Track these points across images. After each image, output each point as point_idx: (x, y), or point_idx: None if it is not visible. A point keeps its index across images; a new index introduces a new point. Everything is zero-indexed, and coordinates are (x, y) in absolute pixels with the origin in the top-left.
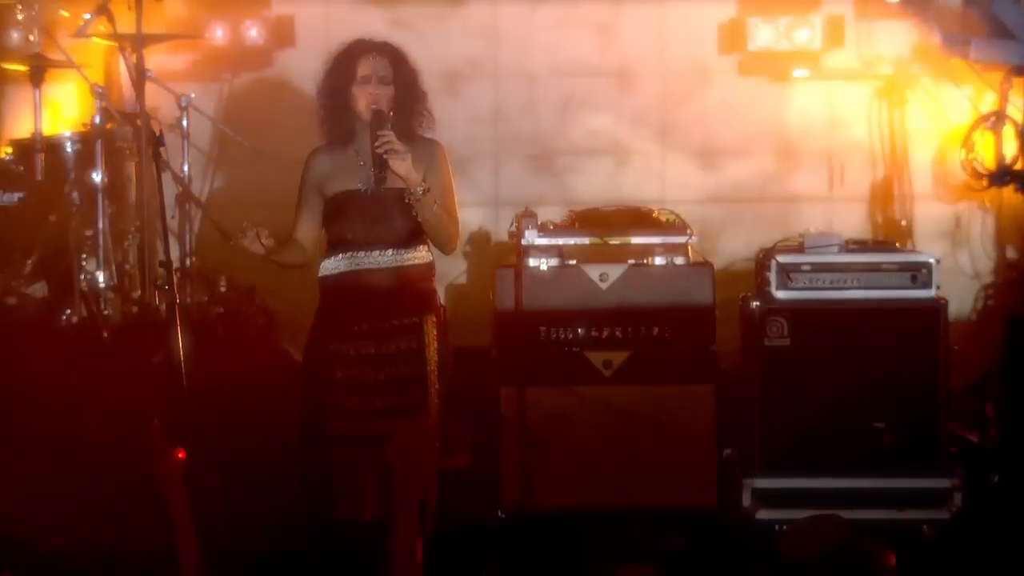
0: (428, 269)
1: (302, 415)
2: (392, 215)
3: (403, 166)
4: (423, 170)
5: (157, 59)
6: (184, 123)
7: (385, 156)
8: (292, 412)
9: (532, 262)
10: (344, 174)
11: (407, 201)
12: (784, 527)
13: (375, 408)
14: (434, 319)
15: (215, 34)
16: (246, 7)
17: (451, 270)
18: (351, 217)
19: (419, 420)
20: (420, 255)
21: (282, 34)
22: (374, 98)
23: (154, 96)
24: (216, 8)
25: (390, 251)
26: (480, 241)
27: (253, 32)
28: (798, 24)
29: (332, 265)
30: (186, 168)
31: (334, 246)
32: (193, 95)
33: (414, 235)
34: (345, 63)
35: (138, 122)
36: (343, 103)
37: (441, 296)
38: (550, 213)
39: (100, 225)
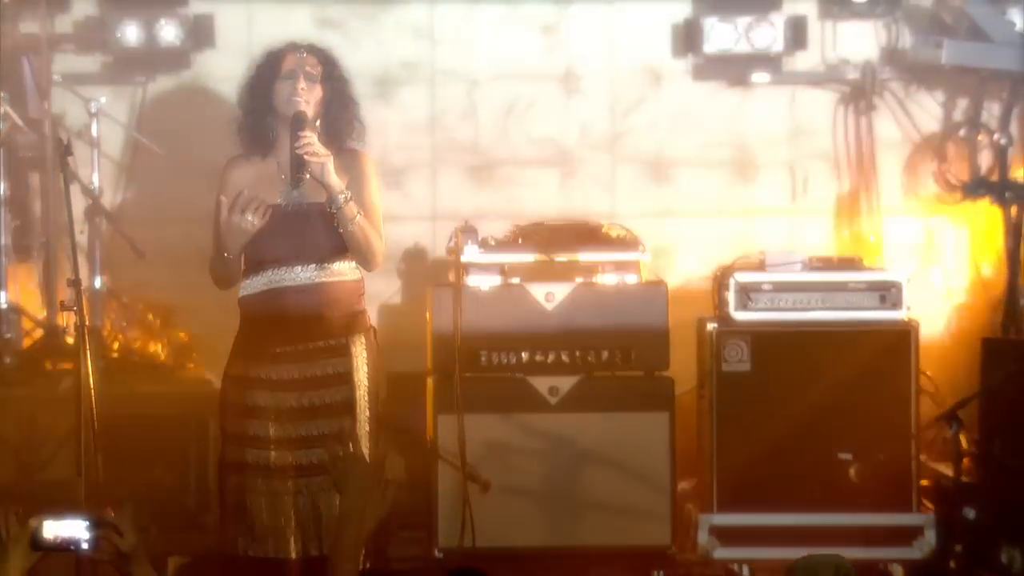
0: (356, 287)
1: (222, 445)
2: (315, 230)
3: (323, 171)
4: (346, 179)
5: (64, 61)
6: (94, 130)
7: (306, 158)
8: (212, 443)
9: (472, 281)
10: (263, 187)
11: (329, 210)
12: (744, 567)
13: (299, 436)
14: (363, 340)
15: (127, 34)
16: (161, 5)
17: (384, 289)
18: (271, 233)
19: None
20: (346, 271)
21: (200, 34)
22: (298, 93)
23: (61, 101)
24: (128, 6)
25: (313, 267)
26: (415, 258)
27: (169, 32)
28: (758, 24)
29: (252, 284)
30: (96, 179)
31: (254, 264)
32: (103, 100)
33: (339, 251)
34: (268, 59)
35: (44, 129)
36: (264, 106)
37: (373, 317)
38: (492, 228)
39: (2, 241)
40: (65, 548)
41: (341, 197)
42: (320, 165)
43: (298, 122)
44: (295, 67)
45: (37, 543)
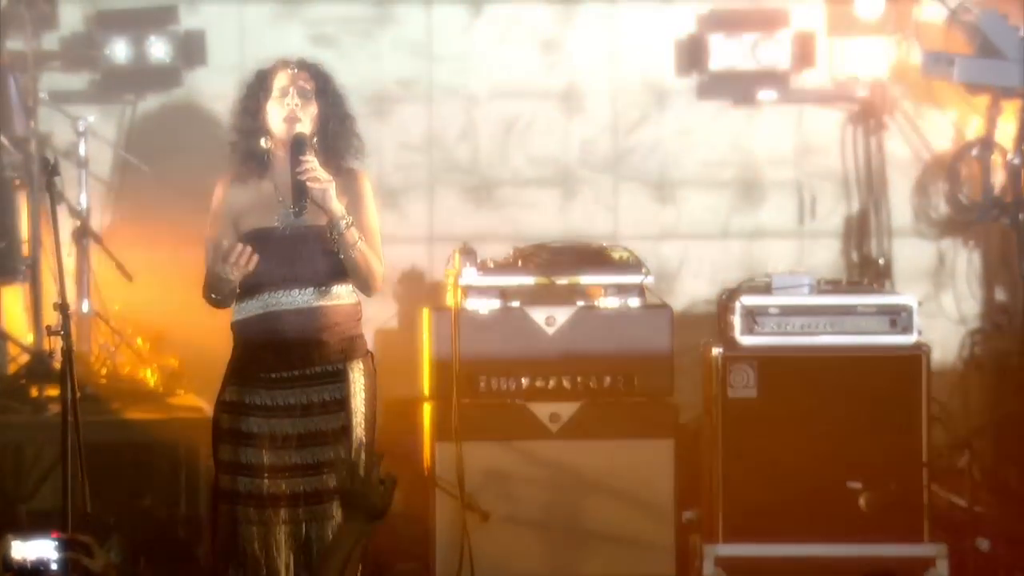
0: (354, 310)
1: (214, 474)
2: (313, 254)
3: (325, 197)
4: (344, 200)
5: (51, 78)
6: (81, 150)
7: (308, 184)
8: (203, 471)
9: (471, 304)
10: (260, 209)
11: (330, 236)
12: None
13: (293, 464)
14: (361, 366)
15: (116, 51)
16: (151, 22)
17: (380, 313)
18: (267, 257)
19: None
20: (344, 295)
21: (192, 51)
22: (293, 113)
23: (48, 120)
24: (117, 23)
25: (311, 290)
26: (413, 281)
27: (159, 49)
28: (764, 41)
29: (247, 308)
30: (84, 200)
31: (249, 288)
32: (92, 119)
33: (337, 274)
34: (260, 77)
35: (30, 148)
36: (257, 126)
37: (369, 342)
38: (491, 250)
39: None
40: (34, 570)
41: (343, 223)
42: (322, 191)
43: (299, 145)
44: (288, 84)
45: (6, 564)
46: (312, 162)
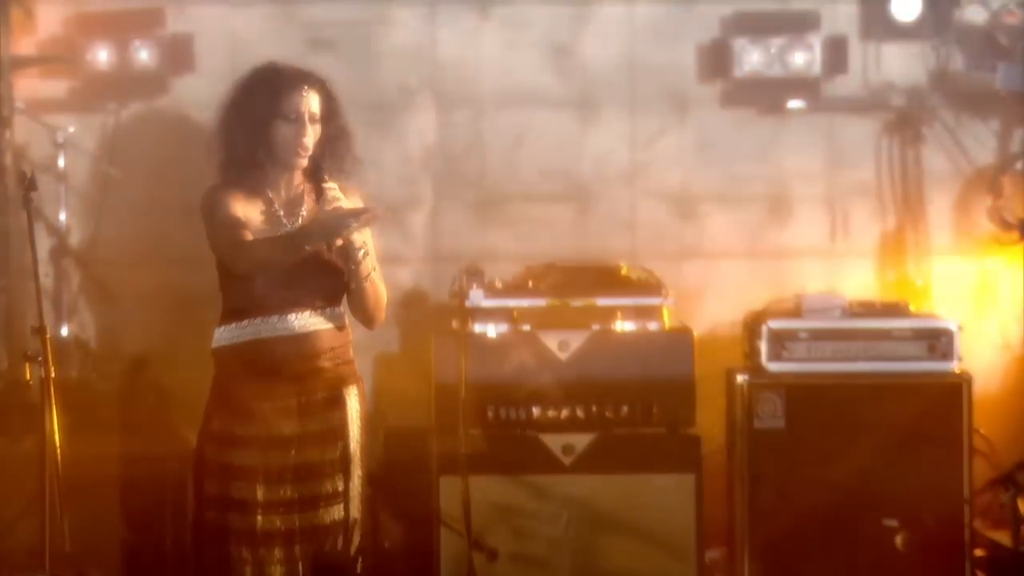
0: (346, 333)
1: (198, 510)
2: (310, 275)
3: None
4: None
5: (27, 86)
6: (60, 162)
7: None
8: (190, 506)
9: (478, 328)
10: (258, 226)
11: (349, 268)
12: None
13: (289, 498)
14: (356, 391)
15: (98, 57)
16: (135, 25)
17: (380, 337)
18: (264, 278)
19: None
20: (338, 317)
21: (179, 57)
22: (305, 144)
23: (24, 130)
24: (99, 26)
25: (307, 314)
26: (416, 303)
27: (144, 54)
28: (794, 46)
29: (234, 333)
30: (63, 217)
31: (237, 310)
32: (72, 129)
33: (334, 296)
34: (267, 91)
35: (5, 161)
36: (259, 140)
37: (368, 367)
38: (500, 269)
39: None
40: None
41: (360, 252)
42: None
43: (318, 175)
44: (302, 109)
45: None
46: (336, 192)
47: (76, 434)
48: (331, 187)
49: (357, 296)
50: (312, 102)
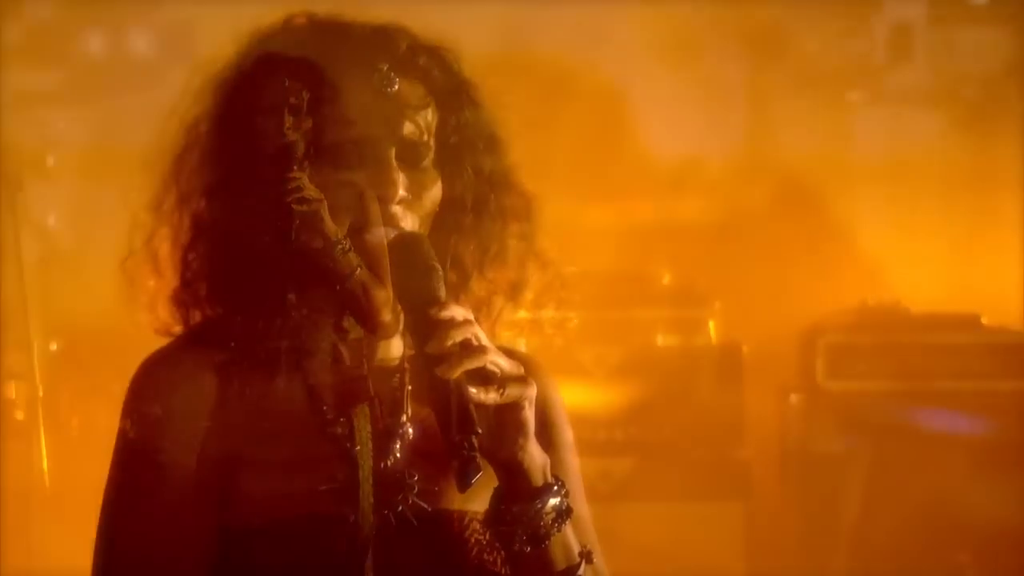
0: None
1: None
2: None
3: (315, 219)
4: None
5: (13, 76)
6: (49, 160)
7: (293, 205)
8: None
9: (504, 341)
10: None
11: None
12: None
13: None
14: (367, 411)
15: (90, 44)
16: (130, 10)
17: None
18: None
19: None
20: None
21: (177, 44)
22: (284, 135)
23: (10, 125)
24: (91, 11)
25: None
26: None
27: (140, 41)
28: (854, 31)
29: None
30: (52, 219)
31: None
32: (61, 123)
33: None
34: (245, 87)
35: None
36: (243, 135)
37: None
38: None
39: None
40: None
41: (338, 248)
42: (312, 212)
43: (287, 157)
44: (279, 101)
45: None
46: (300, 179)
47: (67, 458)
48: (294, 177)
49: (345, 297)
50: (290, 93)
